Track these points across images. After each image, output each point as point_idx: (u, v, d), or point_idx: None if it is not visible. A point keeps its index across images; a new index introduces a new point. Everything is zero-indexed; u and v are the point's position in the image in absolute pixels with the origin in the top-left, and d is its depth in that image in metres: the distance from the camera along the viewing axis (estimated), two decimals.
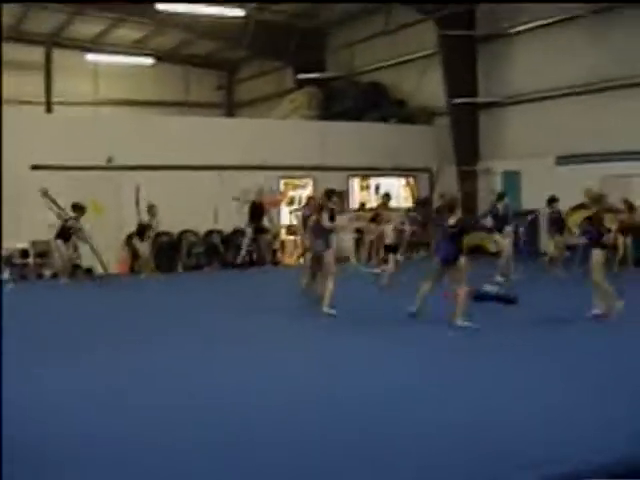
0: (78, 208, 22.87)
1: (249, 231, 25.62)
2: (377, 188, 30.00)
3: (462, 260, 14.79)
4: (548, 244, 22.86)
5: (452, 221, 14.88)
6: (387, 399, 9.36)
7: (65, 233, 22.88)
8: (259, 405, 9.17)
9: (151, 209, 23.80)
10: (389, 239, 21.01)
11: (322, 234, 16.15)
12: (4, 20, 36.05)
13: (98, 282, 22.74)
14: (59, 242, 22.91)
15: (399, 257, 20.87)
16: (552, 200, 22.12)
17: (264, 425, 8.46)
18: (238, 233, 26.30)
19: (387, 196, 23.72)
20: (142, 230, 24.08)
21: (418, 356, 11.96)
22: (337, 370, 11.07)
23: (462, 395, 9.56)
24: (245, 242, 25.74)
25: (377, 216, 22.43)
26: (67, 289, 22.01)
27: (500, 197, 21.90)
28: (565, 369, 10.91)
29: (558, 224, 21.44)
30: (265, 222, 26.04)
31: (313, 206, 16.93)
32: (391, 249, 20.73)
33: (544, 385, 10.01)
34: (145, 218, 23.81)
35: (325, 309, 15.49)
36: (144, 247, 24.36)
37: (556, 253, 22.18)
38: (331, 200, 17.13)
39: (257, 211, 25.68)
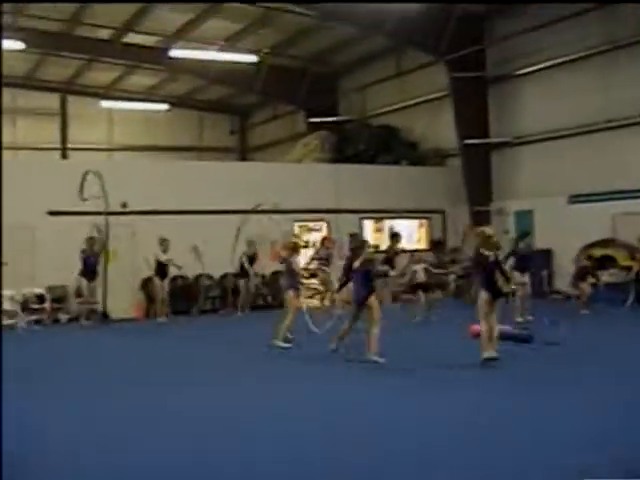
0: None
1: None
2: (391, 230, 30.09)
3: (373, 300, 15.00)
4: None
5: (357, 264, 15.19)
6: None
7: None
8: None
9: (163, 242, 23.86)
10: (421, 278, 21.31)
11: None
12: (21, 68, 36.57)
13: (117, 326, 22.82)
14: (84, 282, 23.14)
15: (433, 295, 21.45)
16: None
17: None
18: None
19: (396, 236, 23.88)
20: (162, 269, 24.12)
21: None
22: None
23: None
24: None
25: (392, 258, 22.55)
26: (88, 332, 22.10)
27: (523, 236, 21.80)
28: None
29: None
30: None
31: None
32: (423, 287, 21.16)
33: None
34: (163, 257, 23.89)
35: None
36: (162, 287, 24.34)
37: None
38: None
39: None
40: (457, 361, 14.64)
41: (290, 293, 17.41)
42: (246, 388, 12.87)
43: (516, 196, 28.75)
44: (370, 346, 14.72)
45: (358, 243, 16.70)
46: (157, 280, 24.17)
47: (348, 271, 15.96)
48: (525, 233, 22.23)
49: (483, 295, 14.34)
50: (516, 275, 20.69)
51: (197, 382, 13.42)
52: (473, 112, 29.15)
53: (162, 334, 21.69)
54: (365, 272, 15.26)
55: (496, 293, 14.42)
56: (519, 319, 19.91)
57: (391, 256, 23.26)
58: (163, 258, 23.88)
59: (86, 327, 22.72)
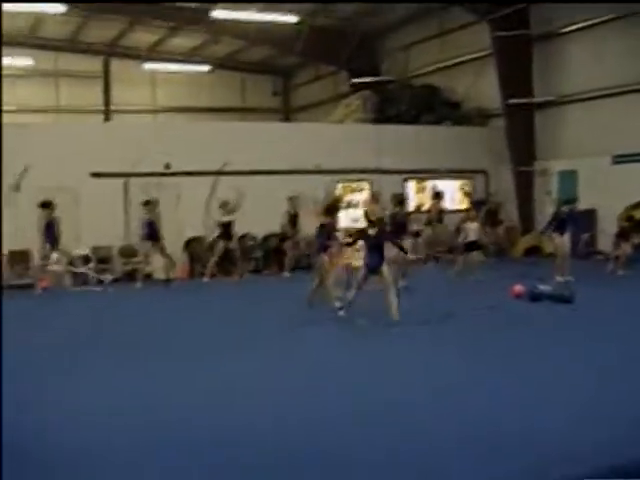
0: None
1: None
2: (434, 189, 30.03)
3: (384, 269, 15.14)
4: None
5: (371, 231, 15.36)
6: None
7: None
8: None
9: (225, 205, 23.80)
10: (474, 237, 21.28)
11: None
12: (63, 31, 36.73)
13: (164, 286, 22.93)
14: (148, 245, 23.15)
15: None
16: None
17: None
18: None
19: (438, 195, 23.88)
20: (227, 230, 23.78)
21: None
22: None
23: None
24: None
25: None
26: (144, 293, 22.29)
27: (571, 202, 21.67)
28: None
29: None
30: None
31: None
32: (475, 247, 21.16)
33: None
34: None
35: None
36: (224, 249, 24.02)
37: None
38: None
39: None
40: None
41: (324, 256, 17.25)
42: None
43: (560, 156, 28.53)
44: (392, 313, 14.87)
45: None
46: (221, 242, 23.91)
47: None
48: (572, 199, 22.04)
49: None
50: (555, 236, 20.79)
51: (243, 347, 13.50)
52: (516, 71, 28.86)
53: (206, 294, 21.80)
54: (378, 239, 15.32)
55: None
56: (559, 279, 19.87)
57: (433, 216, 23.23)
58: (225, 219, 23.77)
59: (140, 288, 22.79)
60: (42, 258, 22.36)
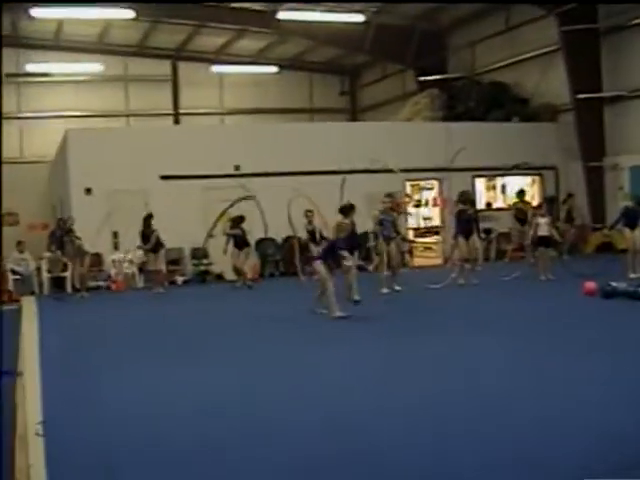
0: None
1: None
2: (503, 188, 29.84)
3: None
4: None
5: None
6: None
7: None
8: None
9: (308, 214, 23.85)
10: (544, 232, 21.21)
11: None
12: (131, 36, 37.17)
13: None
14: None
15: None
16: None
17: None
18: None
19: (522, 193, 24.01)
20: (312, 236, 23.77)
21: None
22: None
23: None
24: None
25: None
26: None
27: (638, 203, 21.41)
28: None
29: None
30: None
31: None
32: (545, 243, 21.08)
33: None
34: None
35: None
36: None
37: None
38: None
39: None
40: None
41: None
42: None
43: (631, 151, 28.14)
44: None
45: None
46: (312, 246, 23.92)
47: None
48: (639, 200, 21.66)
49: None
50: (626, 231, 20.65)
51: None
52: (585, 66, 28.56)
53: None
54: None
55: None
56: (632, 275, 19.67)
57: (520, 213, 23.18)
58: (309, 229, 23.77)
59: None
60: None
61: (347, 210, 18.88)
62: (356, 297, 16.77)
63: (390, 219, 20.71)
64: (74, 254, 22.64)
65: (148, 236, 22.79)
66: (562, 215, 26.50)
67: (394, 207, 21.96)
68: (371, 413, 8.93)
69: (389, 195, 21.36)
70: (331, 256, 16.75)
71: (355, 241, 18.76)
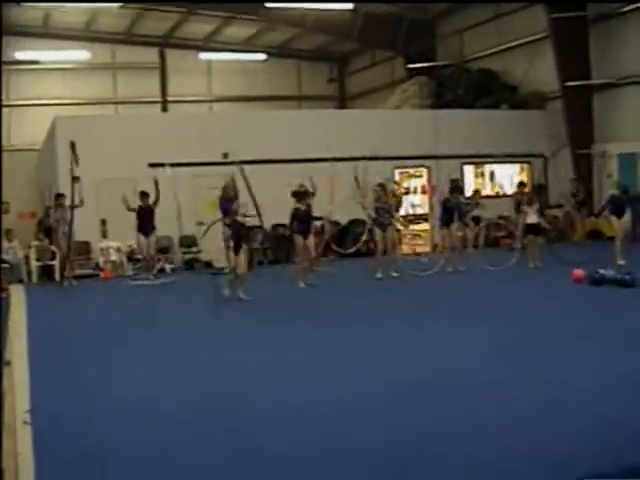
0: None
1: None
2: (492, 175, 29.86)
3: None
4: None
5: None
6: None
7: None
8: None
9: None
10: (533, 220, 21.31)
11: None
12: (119, 24, 37.08)
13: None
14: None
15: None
16: None
17: None
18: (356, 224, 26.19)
19: (522, 184, 24.28)
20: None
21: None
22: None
23: None
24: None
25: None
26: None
27: (623, 191, 21.50)
28: None
29: None
30: None
31: None
32: (534, 231, 21.13)
33: None
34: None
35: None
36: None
37: None
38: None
39: None
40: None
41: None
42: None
43: (619, 139, 28.18)
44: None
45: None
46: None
47: None
48: (624, 189, 21.72)
49: None
50: (613, 219, 20.76)
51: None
52: (574, 53, 28.57)
53: None
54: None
55: None
56: (620, 262, 19.75)
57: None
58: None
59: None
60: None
61: (300, 195, 20.21)
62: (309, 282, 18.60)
63: (385, 207, 20.92)
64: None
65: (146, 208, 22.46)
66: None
67: (389, 194, 22.17)
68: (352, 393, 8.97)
69: (380, 185, 21.51)
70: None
71: (309, 225, 20.19)
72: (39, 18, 35.68)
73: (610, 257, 20.01)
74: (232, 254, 18.44)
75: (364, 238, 24.55)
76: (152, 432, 8.12)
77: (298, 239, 20.04)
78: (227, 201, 21.99)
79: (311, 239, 20.24)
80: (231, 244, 18.56)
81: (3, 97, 37.14)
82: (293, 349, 12.09)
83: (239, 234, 18.46)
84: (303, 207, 19.95)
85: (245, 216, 20.65)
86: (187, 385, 9.96)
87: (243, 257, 18.26)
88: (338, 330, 13.41)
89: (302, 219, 19.97)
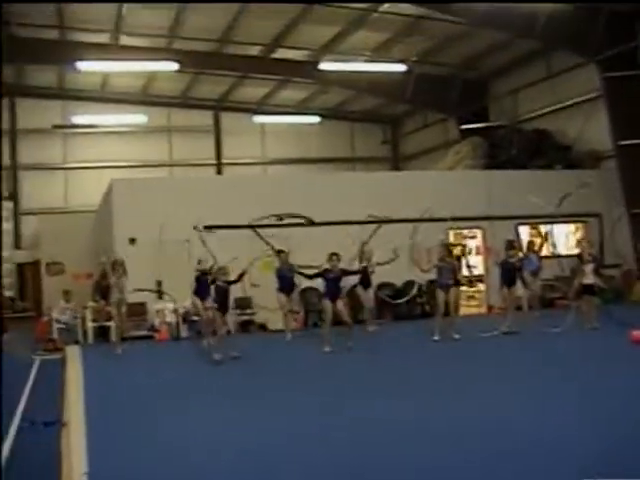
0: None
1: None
2: (547, 235, 29.69)
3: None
4: None
5: None
6: None
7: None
8: None
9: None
10: (589, 280, 21.05)
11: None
12: (175, 87, 37.63)
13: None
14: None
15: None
16: None
17: None
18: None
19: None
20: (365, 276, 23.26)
21: None
22: None
23: None
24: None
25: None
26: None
27: None
28: None
29: None
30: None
31: None
32: (590, 291, 20.90)
33: None
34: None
35: None
36: (367, 295, 23.72)
37: None
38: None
39: None
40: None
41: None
42: None
43: None
44: None
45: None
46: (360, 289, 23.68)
47: None
48: None
49: None
50: None
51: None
52: (628, 112, 28.45)
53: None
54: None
55: None
56: None
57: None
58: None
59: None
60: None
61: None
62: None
63: (449, 267, 20.81)
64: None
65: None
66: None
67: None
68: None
69: (444, 245, 21.51)
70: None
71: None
72: (97, 82, 36.35)
73: None
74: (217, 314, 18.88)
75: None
76: None
77: (326, 303, 19.58)
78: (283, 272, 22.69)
79: (340, 303, 19.50)
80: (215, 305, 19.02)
81: (60, 160, 38.01)
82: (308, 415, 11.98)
83: (225, 295, 18.84)
84: (333, 268, 19.36)
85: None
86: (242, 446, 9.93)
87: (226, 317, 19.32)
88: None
89: (332, 282, 19.45)
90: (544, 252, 26.57)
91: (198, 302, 21.77)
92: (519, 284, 21.76)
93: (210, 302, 19.97)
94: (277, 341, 22.57)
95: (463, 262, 25.72)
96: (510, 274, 21.23)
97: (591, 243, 24.02)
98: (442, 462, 8.78)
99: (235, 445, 10.07)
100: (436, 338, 20.37)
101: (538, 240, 26.98)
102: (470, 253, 29.55)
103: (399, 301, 25.16)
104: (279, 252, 23.15)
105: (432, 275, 21.79)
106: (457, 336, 20.48)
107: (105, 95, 38.23)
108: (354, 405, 12.14)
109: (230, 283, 19.24)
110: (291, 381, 15.28)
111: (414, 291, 24.99)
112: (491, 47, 32.46)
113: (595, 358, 16.29)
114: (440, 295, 20.81)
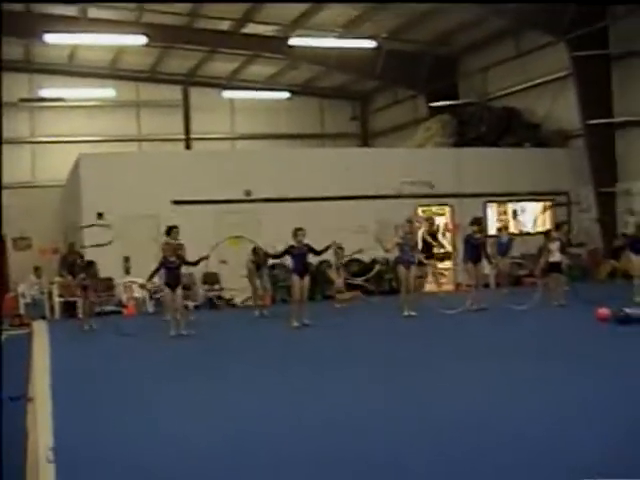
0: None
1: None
2: (515, 213, 29.80)
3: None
4: None
5: None
6: None
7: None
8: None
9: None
10: (556, 258, 21.15)
11: None
12: (143, 62, 37.36)
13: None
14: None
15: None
16: None
17: None
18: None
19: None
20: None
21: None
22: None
23: None
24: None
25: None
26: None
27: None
28: None
29: None
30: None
31: None
32: (557, 269, 21.01)
33: None
34: None
35: None
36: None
37: None
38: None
39: None
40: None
41: None
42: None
43: None
44: None
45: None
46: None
47: None
48: None
49: None
50: (632, 257, 20.76)
51: None
52: (596, 91, 28.61)
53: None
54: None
55: None
56: (638, 299, 19.71)
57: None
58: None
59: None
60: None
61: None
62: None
63: (410, 244, 20.79)
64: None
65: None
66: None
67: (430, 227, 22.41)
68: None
69: (408, 221, 21.50)
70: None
71: (305, 264, 19.70)
72: (65, 56, 35.98)
73: (630, 295, 19.97)
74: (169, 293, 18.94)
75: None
76: (179, 470, 8.08)
77: (294, 279, 19.53)
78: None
79: (306, 279, 19.53)
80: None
81: (28, 134, 37.66)
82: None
83: (176, 275, 18.89)
84: (298, 244, 19.30)
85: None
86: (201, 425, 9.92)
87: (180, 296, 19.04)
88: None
89: (297, 258, 19.44)
90: (511, 230, 26.76)
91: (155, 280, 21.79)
92: (485, 261, 21.91)
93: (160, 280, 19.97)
94: (244, 317, 22.60)
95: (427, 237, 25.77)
96: (475, 250, 21.32)
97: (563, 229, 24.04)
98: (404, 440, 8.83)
99: (200, 419, 10.09)
100: (406, 314, 20.36)
101: (505, 217, 27.24)
102: (438, 230, 29.59)
103: (358, 280, 25.03)
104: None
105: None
106: (413, 313, 20.38)
107: (73, 69, 37.87)
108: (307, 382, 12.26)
109: (186, 263, 19.28)
110: (256, 358, 15.22)
111: (375, 270, 24.86)
112: (462, 25, 32.45)
113: (562, 335, 16.38)
114: (402, 272, 20.82)
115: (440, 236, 27.19)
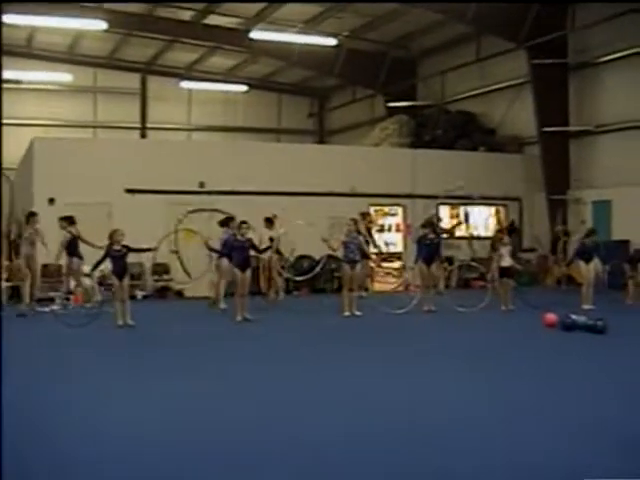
0: None
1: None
2: (466, 216, 29.93)
3: None
4: None
5: None
6: None
7: None
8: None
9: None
10: (507, 262, 21.27)
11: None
12: (102, 48, 37.12)
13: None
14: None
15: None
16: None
17: None
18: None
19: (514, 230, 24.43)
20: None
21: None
22: None
23: None
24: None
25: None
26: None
27: (590, 234, 21.65)
28: None
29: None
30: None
31: None
32: (508, 273, 21.11)
33: None
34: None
35: None
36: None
37: None
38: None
39: None
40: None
41: None
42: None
43: (594, 185, 28.40)
44: None
45: None
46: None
47: None
48: (591, 231, 21.90)
49: None
50: (581, 265, 20.97)
51: None
52: (553, 99, 28.89)
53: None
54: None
55: None
56: (585, 306, 19.93)
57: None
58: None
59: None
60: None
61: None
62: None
63: (356, 242, 20.68)
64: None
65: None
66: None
67: (367, 223, 22.32)
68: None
69: (353, 220, 21.46)
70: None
71: (247, 257, 19.60)
72: (23, 38, 35.65)
73: (578, 302, 20.18)
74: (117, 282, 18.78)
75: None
76: (121, 451, 8.07)
77: (235, 273, 19.41)
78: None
79: (248, 273, 19.41)
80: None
81: None
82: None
83: (123, 264, 18.91)
84: (241, 237, 19.25)
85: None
86: (142, 404, 9.90)
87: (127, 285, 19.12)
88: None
89: (239, 251, 19.33)
90: (462, 233, 26.91)
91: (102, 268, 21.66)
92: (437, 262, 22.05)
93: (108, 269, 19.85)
94: (192, 308, 22.57)
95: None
96: (429, 252, 21.36)
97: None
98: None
99: (133, 408, 10.08)
100: (347, 314, 20.23)
101: (455, 220, 27.44)
102: (389, 230, 29.70)
103: (299, 278, 24.88)
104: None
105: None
106: (358, 313, 20.31)
107: (31, 51, 37.56)
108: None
109: (130, 250, 19.13)
110: (196, 351, 15.17)
111: (318, 268, 24.74)
112: (422, 28, 32.70)
113: (506, 339, 16.49)
114: (346, 271, 20.65)
115: (374, 232, 26.85)
